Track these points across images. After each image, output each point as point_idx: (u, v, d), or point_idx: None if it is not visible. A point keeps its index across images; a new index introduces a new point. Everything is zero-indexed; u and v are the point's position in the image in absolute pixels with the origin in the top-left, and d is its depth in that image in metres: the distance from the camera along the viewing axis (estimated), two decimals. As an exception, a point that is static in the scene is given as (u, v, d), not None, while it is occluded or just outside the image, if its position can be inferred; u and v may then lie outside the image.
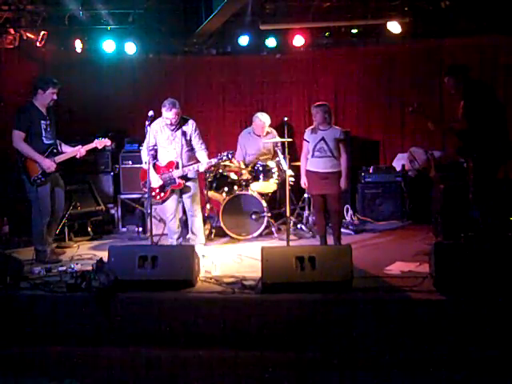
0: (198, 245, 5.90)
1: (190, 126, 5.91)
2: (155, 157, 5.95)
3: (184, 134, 5.88)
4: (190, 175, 5.90)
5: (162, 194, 5.89)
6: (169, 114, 5.72)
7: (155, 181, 5.80)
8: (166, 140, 5.87)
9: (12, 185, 6.60)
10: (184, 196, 5.96)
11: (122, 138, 7.74)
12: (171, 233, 6.02)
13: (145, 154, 5.88)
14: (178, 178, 5.82)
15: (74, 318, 4.44)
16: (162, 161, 5.93)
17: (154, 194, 5.86)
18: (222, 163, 6.50)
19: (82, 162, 6.52)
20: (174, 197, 5.93)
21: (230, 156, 5.83)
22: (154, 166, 5.90)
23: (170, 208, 5.94)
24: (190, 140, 5.92)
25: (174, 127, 5.83)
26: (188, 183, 5.91)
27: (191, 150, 5.96)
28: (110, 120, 8.05)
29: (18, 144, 5.57)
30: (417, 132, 8.20)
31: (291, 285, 4.45)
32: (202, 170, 5.95)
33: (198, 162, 5.93)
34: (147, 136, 5.71)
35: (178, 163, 5.84)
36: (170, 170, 5.84)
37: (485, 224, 5.34)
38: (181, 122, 5.87)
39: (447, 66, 5.88)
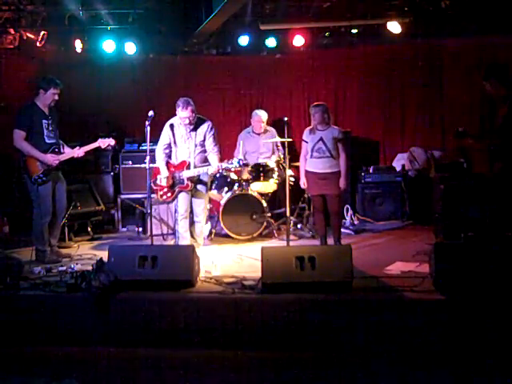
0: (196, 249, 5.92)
1: (206, 127, 5.78)
2: (169, 155, 5.89)
3: (199, 134, 5.77)
4: (201, 177, 5.83)
5: (169, 194, 5.82)
6: (185, 113, 5.60)
7: (165, 179, 5.77)
8: (180, 138, 5.77)
9: (12, 185, 6.60)
10: (194, 199, 5.85)
11: (122, 138, 7.74)
12: (180, 238, 5.86)
13: (159, 155, 5.83)
14: (188, 178, 5.73)
15: (73, 318, 4.43)
16: (175, 159, 5.85)
17: (161, 192, 5.85)
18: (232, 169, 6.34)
19: (82, 162, 6.52)
20: (185, 197, 5.81)
21: (241, 163, 5.68)
22: (167, 164, 5.87)
23: (181, 208, 5.81)
24: (204, 141, 5.80)
25: (191, 126, 5.72)
26: (199, 186, 5.84)
27: (204, 151, 5.83)
28: (110, 120, 8.05)
29: (19, 143, 5.57)
30: (417, 132, 8.23)
31: (291, 285, 4.45)
32: (210, 172, 5.84)
33: (209, 164, 5.81)
34: (162, 134, 5.75)
35: (189, 163, 5.75)
36: (181, 169, 5.76)
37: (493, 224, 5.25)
38: (197, 122, 5.76)
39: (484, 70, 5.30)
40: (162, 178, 5.79)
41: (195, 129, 5.76)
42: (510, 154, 5.00)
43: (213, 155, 5.80)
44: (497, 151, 5.12)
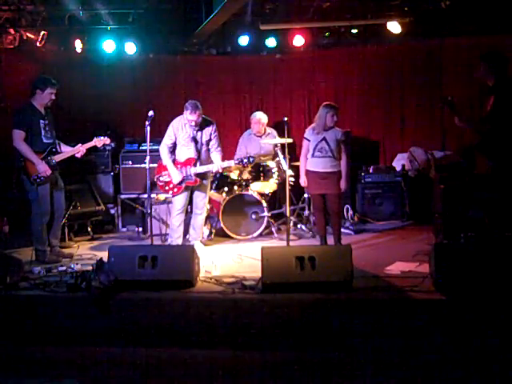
0: (195, 240, 6.12)
1: (211, 127, 6.12)
2: (172, 153, 6.14)
3: (205, 134, 6.08)
4: (206, 173, 6.14)
5: (176, 190, 6.06)
6: (193, 117, 5.88)
7: (175, 175, 5.98)
8: (186, 138, 6.05)
9: (12, 185, 6.59)
10: (197, 193, 6.15)
11: (122, 138, 7.74)
12: (172, 231, 6.14)
13: (165, 154, 6.06)
14: (196, 175, 6.01)
15: (73, 318, 4.43)
16: (181, 157, 6.09)
17: (167, 188, 6.09)
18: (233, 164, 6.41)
19: (82, 161, 6.53)
20: (186, 193, 6.10)
21: (251, 160, 6.06)
22: (173, 161, 6.10)
23: (179, 204, 6.10)
24: (209, 140, 6.12)
25: (197, 127, 6.00)
26: (204, 181, 6.14)
27: (209, 150, 6.15)
28: (110, 120, 8.05)
29: (18, 143, 5.56)
30: (417, 132, 8.22)
31: (291, 285, 4.45)
32: (214, 170, 6.11)
33: (212, 162, 6.12)
34: (167, 134, 6.01)
35: (196, 161, 6.05)
36: (188, 166, 6.03)
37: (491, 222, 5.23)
38: (203, 123, 6.04)
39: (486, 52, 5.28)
40: (173, 175, 5.99)
41: (201, 129, 6.06)
42: (499, 153, 5.01)
43: (216, 153, 6.15)
44: (485, 148, 5.12)
